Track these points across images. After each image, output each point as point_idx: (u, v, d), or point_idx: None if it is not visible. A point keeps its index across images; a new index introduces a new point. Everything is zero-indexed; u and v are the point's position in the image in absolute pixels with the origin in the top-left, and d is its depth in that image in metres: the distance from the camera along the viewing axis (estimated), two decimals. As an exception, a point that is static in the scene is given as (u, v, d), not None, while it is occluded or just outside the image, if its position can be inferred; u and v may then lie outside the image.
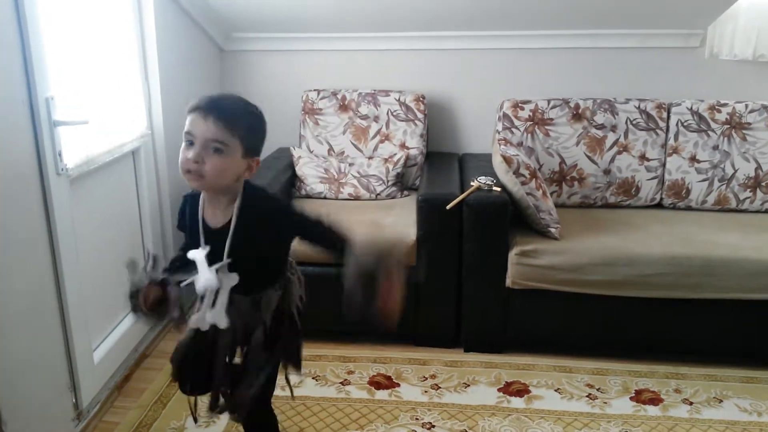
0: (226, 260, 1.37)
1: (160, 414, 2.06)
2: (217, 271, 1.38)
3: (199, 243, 1.40)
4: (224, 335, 1.43)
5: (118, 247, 2.31)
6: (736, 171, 2.67)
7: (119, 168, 2.31)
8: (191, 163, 1.28)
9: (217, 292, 1.39)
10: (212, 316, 1.39)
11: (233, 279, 1.38)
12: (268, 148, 3.00)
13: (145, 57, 2.43)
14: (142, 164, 2.42)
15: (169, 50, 2.53)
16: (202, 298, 1.41)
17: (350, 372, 2.30)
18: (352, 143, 2.92)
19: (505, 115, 2.78)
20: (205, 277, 1.37)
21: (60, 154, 1.82)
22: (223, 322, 1.40)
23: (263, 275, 1.45)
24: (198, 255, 1.38)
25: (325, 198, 2.81)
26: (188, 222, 1.45)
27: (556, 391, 2.20)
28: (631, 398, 2.16)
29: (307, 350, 2.40)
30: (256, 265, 1.41)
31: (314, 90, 2.97)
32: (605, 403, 2.14)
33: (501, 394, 2.18)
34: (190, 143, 1.30)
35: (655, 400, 2.15)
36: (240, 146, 1.31)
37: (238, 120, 1.30)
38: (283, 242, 1.45)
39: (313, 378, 2.25)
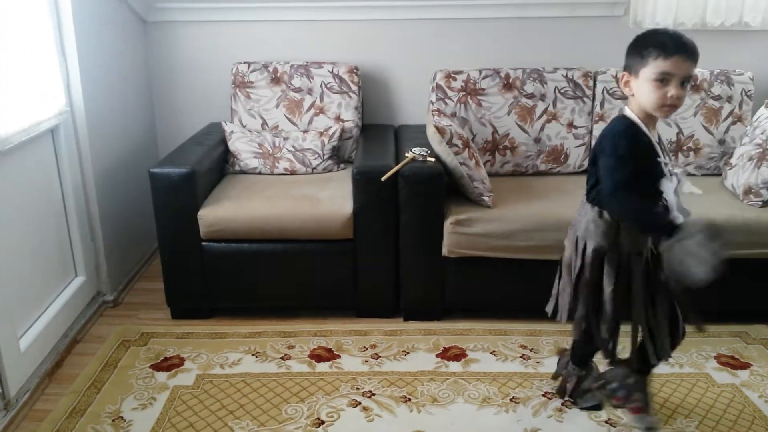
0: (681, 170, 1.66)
1: (94, 399, 2.01)
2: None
3: (656, 170, 1.62)
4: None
5: (41, 230, 2.22)
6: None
7: (37, 147, 2.20)
8: (676, 100, 1.53)
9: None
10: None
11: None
12: (197, 124, 2.97)
13: (60, 30, 2.29)
14: (62, 143, 2.31)
15: (87, 23, 2.40)
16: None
17: (291, 347, 2.30)
18: (286, 117, 2.87)
19: (439, 86, 2.79)
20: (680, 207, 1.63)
21: (-32, 134, 1.72)
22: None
23: None
24: (669, 186, 1.62)
25: (260, 173, 2.76)
26: (640, 151, 1.61)
27: (491, 353, 2.27)
28: (562, 357, 2.25)
29: (247, 327, 2.43)
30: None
31: (244, 62, 2.89)
32: (538, 362, 2.22)
33: (439, 359, 2.23)
34: (662, 81, 1.52)
35: (584, 358, 2.25)
36: None
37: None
38: None
39: (252, 355, 2.24)
